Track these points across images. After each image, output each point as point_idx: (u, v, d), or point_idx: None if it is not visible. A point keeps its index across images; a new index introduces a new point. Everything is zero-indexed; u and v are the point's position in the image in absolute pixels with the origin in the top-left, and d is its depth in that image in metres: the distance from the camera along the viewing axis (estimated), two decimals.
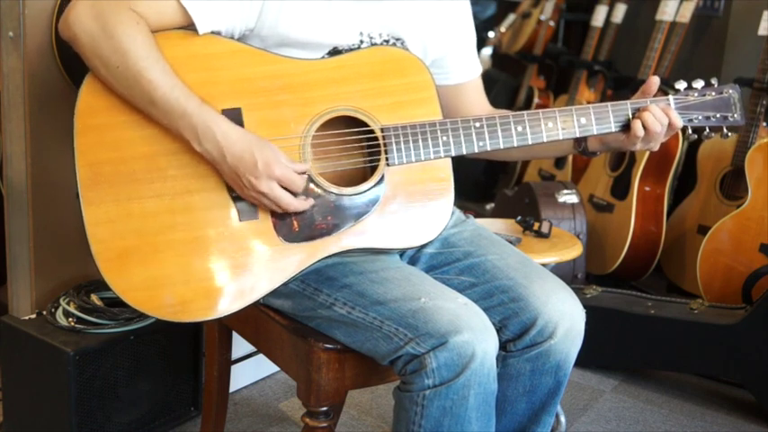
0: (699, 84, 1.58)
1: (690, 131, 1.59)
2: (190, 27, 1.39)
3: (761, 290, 2.61)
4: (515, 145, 1.50)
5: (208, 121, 1.33)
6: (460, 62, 1.68)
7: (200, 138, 1.33)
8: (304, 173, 1.39)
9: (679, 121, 1.53)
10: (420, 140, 1.46)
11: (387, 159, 1.45)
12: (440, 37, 1.62)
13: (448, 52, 1.65)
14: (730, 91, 1.59)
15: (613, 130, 1.54)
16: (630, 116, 1.53)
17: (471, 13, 1.70)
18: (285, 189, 1.36)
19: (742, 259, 2.77)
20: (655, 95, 1.55)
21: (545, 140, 1.51)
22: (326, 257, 1.44)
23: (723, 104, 1.58)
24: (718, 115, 1.58)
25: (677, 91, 1.57)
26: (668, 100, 1.55)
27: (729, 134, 1.60)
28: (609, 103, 1.54)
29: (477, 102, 1.72)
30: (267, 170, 1.33)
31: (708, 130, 1.59)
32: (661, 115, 1.51)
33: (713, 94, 1.58)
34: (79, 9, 1.33)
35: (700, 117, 1.57)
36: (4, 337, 1.94)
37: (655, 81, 1.55)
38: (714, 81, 1.59)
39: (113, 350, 1.88)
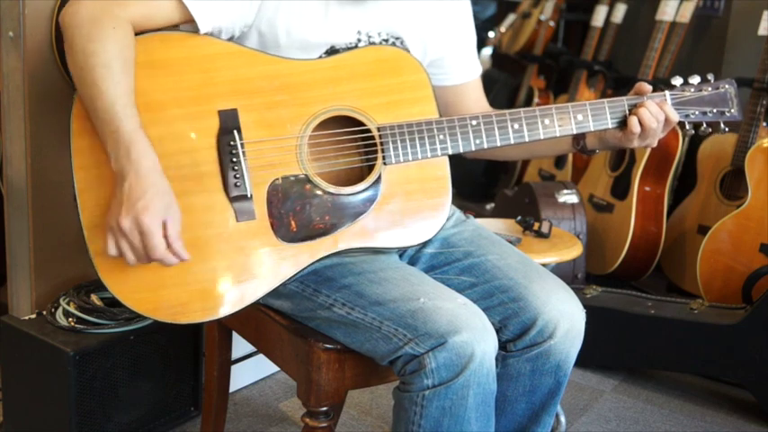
0: (695, 79, 1.58)
1: (687, 127, 1.59)
2: (187, 26, 1.39)
3: (761, 290, 2.60)
4: (512, 142, 1.50)
5: (131, 145, 1.27)
6: (460, 63, 1.68)
7: (117, 157, 1.27)
8: (182, 259, 1.29)
9: (675, 116, 1.53)
10: (417, 139, 1.46)
11: (383, 158, 1.45)
12: (439, 37, 1.62)
13: (448, 52, 1.65)
14: (726, 86, 1.59)
15: (610, 126, 1.54)
16: (627, 112, 1.53)
17: (472, 13, 1.70)
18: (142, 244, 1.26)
19: (742, 259, 2.76)
20: (652, 92, 1.56)
21: (542, 138, 1.52)
22: (325, 257, 1.44)
23: (720, 99, 1.59)
24: (714, 110, 1.59)
25: (673, 87, 1.58)
26: (665, 96, 1.56)
27: (727, 129, 1.61)
28: (605, 100, 1.54)
29: (476, 103, 1.72)
30: (140, 212, 1.24)
31: (705, 125, 1.60)
32: (657, 111, 1.51)
33: (709, 89, 1.59)
34: (77, 6, 1.33)
35: (696, 112, 1.58)
36: (4, 337, 1.94)
37: (644, 86, 1.55)
38: (710, 77, 1.60)
39: (113, 350, 1.88)
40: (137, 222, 1.24)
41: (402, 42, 1.56)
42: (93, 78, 1.28)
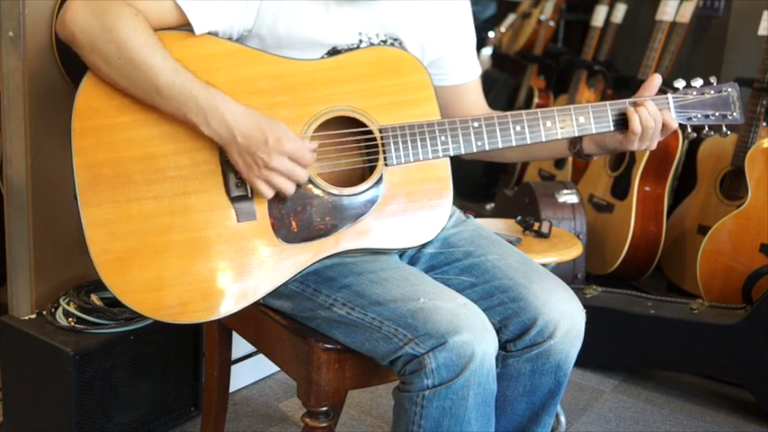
0: (697, 82, 1.58)
1: (689, 130, 1.59)
2: (186, 27, 1.38)
3: (761, 290, 2.60)
4: (513, 145, 1.50)
5: (215, 102, 1.32)
6: (459, 63, 1.68)
7: (208, 119, 1.32)
8: (313, 149, 1.38)
9: (673, 122, 1.53)
10: (418, 140, 1.46)
11: (385, 159, 1.45)
12: (438, 37, 1.62)
13: (447, 53, 1.65)
14: (729, 89, 1.59)
15: (612, 128, 1.54)
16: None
17: (471, 13, 1.70)
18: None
19: (742, 259, 2.76)
20: (655, 94, 1.55)
21: (544, 140, 1.51)
22: (325, 258, 1.44)
23: (722, 103, 1.58)
24: (717, 114, 1.58)
25: (676, 90, 1.57)
26: (667, 99, 1.55)
27: (729, 133, 1.60)
28: (607, 102, 1.54)
29: (476, 103, 1.72)
30: (278, 145, 1.32)
31: (707, 128, 1.59)
32: (654, 111, 1.51)
33: (712, 92, 1.58)
34: (75, 8, 1.32)
35: (699, 116, 1.58)
36: (4, 337, 1.94)
37: (656, 79, 1.55)
38: (713, 80, 1.59)
39: (113, 350, 1.88)
40: (283, 154, 1.33)
41: (401, 43, 1.56)
42: (141, 61, 1.30)
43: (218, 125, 1.32)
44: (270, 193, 1.36)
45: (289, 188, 1.36)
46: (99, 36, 1.31)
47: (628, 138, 1.53)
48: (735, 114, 1.59)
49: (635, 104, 1.52)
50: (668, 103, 1.55)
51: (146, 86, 1.32)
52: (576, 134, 1.53)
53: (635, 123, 1.50)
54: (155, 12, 1.36)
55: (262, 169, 1.33)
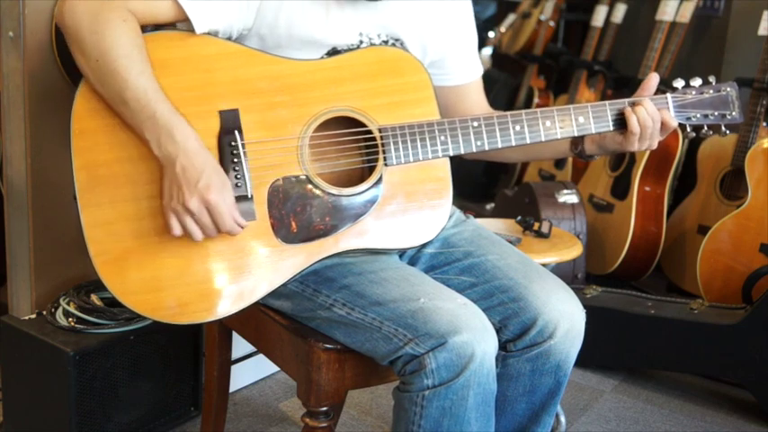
0: (696, 82, 1.58)
1: (688, 129, 1.59)
2: (183, 25, 1.38)
3: (761, 290, 2.60)
4: (513, 144, 1.50)
5: (173, 128, 1.31)
6: (461, 63, 1.68)
7: (160, 140, 1.31)
8: (242, 226, 1.34)
9: (672, 120, 1.53)
10: (418, 140, 1.46)
11: (384, 160, 1.45)
12: (439, 38, 1.61)
13: (448, 53, 1.65)
14: (728, 89, 1.59)
15: (611, 128, 1.54)
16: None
17: (473, 13, 1.70)
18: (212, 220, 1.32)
19: (742, 259, 2.76)
20: (654, 94, 1.55)
21: (543, 140, 1.51)
22: (325, 258, 1.44)
23: (721, 102, 1.58)
24: (716, 113, 1.59)
25: (675, 89, 1.58)
26: (666, 98, 1.55)
27: (728, 132, 1.61)
28: (607, 102, 1.54)
29: (477, 103, 1.72)
30: (204, 191, 1.29)
31: (706, 128, 1.59)
32: (653, 110, 1.51)
33: (711, 92, 1.58)
34: (73, 2, 1.33)
35: (698, 115, 1.58)
36: (4, 337, 1.94)
37: (654, 78, 1.55)
38: (712, 79, 1.59)
39: (113, 350, 1.88)
40: (204, 201, 1.29)
41: (402, 44, 1.56)
42: (115, 70, 1.30)
43: (168, 148, 1.30)
44: (176, 230, 1.31)
45: (195, 233, 1.32)
46: (84, 36, 1.32)
47: (627, 138, 1.53)
48: (734, 114, 1.59)
49: (633, 104, 1.52)
50: (667, 102, 1.55)
51: (113, 96, 1.32)
52: (576, 134, 1.53)
53: (633, 124, 1.50)
54: (154, 10, 1.36)
55: (178, 204, 1.30)
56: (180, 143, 1.30)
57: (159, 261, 1.34)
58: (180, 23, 1.41)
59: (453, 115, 1.59)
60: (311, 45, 1.47)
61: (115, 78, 1.30)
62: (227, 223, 1.32)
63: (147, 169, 1.35)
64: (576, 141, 1.60)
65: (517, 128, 1.50)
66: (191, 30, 1.38)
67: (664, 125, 1.53)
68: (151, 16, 1.36)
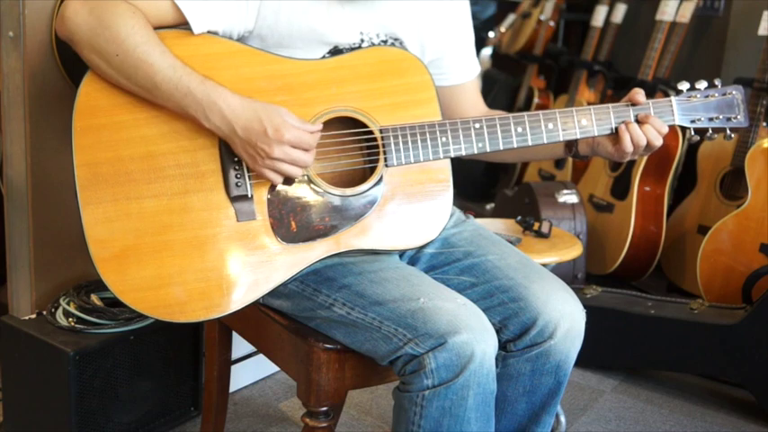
0: (702, 84, 1.56)
1: (692, 132, 1.58)
2: (185, 26, 1.38)
3: (761, 290, 2.60)
4: (515, 146, 1.50)
5: (212, 96, 1.32)
6: (458, 63, 1.68)
7: (207, 114, 1.33)
8: (315, 132, 1.37)
9: (663, 127, 1.51)
10: (419, 141, 1.46)
11: (385, 160, 1.45)
12: (438, 37, 1.61)
13: (446, 53, 1.65)
14: (734, 92, 1.57)
15: (614, 131, 1.52)
16: (633, 121, 1.51)
17: (470, 13, 1.69)
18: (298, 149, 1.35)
19: (742, 259, 2.76)
20: (655, 96, 1.55)
21: (545, 142, 1.51)
22: (325, 258, 1.44)
23: (726, 106, 1.56)
24: (721, 116, 1.56)
25: (680, 92, 1.56)
26: (670, 101, 1.54)
27: (732, 135, 1.59)
28: (610, 105, 1.53)
29: (473, 103, 1.72)
30: (277, 135, 1.32)
31: (711, 131, 1.58)
32: (659, 125, 1.49)
33: (717, 95, 1.56)
34: (74, 6, 1.33)
35: (703, 118, 1.56)
36: (4, 337, 1.94)
37: (639, 94, 1.53)
38: (717, 82, 1.57)
39: (113, 350, 1.88)
40: (282, 143, 1.32)
41: (401, 43, 1.56)
42: (139, 58, 1.31)
43: (218, 120, 1.33)
44: (279, 180, 1.37)
45: (295, 173, 1.36)
46: (98, 34, 1.31)
47: (618, 152, 1.52)
48: (739, 117, 1.56)
49: (626, 123, 1.50)
50: (671, 106, 1.54)
51: (144, 84, 1.32)
52: (579, 136, 1.52)
53: (626, 143, 1.49)
54: (153, 11, 1.36)
55: (265, 159, 1.34)
56: (225, 109, 1.32)
57: (159, 259, 1.35)
58: (182, 27, 1.41)
59: (450, 115, 1.59)
60: (313, 43, 1.47)
61: (141, 66, 1.31)
62: (312, 141, 1.36)
63: (148, 167, 1.35)
64: (570, 143, 1.60)
65: (519, 129, 1.50)
66: (189, 30, 1.38)
67: (658, 135, 1.51)
68: (152, 17, 1.36)
